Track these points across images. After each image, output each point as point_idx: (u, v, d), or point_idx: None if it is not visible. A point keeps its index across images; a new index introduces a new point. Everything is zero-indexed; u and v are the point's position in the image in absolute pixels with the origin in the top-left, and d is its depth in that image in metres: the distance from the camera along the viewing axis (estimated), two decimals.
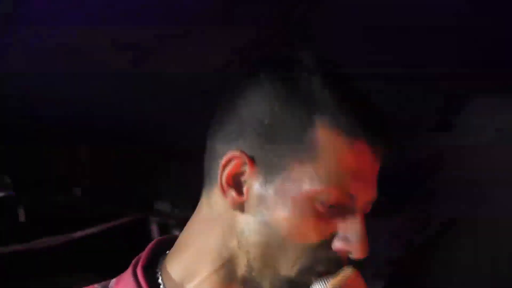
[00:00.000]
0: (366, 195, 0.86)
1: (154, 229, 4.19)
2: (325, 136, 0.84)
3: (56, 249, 2.85)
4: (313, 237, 0.85)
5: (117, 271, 1.14)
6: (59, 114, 2.54)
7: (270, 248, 0.85)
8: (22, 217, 2.70)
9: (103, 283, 1.04)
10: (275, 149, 0.85)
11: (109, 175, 3.16)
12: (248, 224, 0.86)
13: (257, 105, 0.86)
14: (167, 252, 0.97)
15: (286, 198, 0.84)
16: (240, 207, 0.86)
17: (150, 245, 0.99)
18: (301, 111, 0.84)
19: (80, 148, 2.88)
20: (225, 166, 0.86)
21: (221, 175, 0.86)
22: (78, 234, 2.94)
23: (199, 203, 0.94)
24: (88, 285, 0.97)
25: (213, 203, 0.90)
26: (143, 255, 0.97)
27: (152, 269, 0.96)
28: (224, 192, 0.86)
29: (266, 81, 0.87)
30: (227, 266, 0.89)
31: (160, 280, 0.94)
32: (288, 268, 0.86)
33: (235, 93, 0.90)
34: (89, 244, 3.17)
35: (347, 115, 0.84)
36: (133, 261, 0.97)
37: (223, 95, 0.92)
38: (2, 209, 2.64)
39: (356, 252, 0.86)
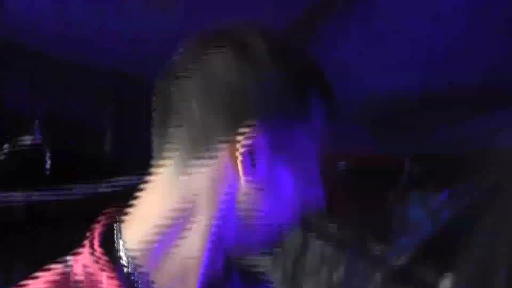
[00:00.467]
0: None
1: None
2: (315, 102, 0.94)
3: (81, 199, 2.88)
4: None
5: None
6: (95, 63, 2.54)
7: (270, 212, 0.93)
8: (48, 164, 2.71)
9: (59, 264, 0.98)
10: (284, 117, 0.92)
11: (139, 128, 3.18)
12: (257, 193, 0.91)
13: (261, 77, 0.91)
14: (116, 224, 0.97)
15: (293, 162, 0.94)
16: (251, 177, 0.90)
17: (100, 220, 0.97)
18: (301, 81, 0.94)
19: (114, 100, 2.88)
20: (242, 138, 0.89)
21: (241, 148, 0.89)
22: (104, 185, 2.95)
23: (169, 171, 0.94)
24: None
25: (204, 172, 0.91)
26: (97, 231, 0.95)
27: (110, 244, 0.94)
28: (243, 164, 0.89)
29: (268, 54, 0.92)
30: (217, 235, 0.92)
31: (121, 253, 0.93)
32: (274, 226, 0.95)
33: (230, 65, 0.92)
34: (114, 196, 3.15)
35: (325, 85, 0.97)
36: (87, 240, 0.95)
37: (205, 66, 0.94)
38: (29, 156, 2.65)
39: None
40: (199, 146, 0.90)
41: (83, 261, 0.92)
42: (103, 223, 0.96)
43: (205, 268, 0.92)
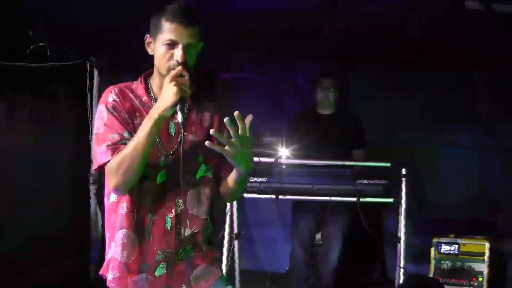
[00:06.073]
0: None
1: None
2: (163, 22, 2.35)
3: None
4: None
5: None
6: None
7: None
8: None
9: (124, 84, 2.45)
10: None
11: None
12: None
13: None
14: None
15: None
16: None
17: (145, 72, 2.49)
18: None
19: None
20: None
21: None
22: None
23: None
24: None
25: None
26: (144, 74, 2.47)
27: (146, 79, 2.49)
28: None
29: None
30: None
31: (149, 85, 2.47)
32: None
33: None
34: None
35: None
36: (140, 77, 2.45)
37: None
38: None
39: None
40: None
41: (137, 84, 2.46)
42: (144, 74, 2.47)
43: None
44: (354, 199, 4.06)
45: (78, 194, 5.40)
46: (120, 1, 4.19)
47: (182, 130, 2.29)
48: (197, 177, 2.42)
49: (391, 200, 4.11)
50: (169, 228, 2.36)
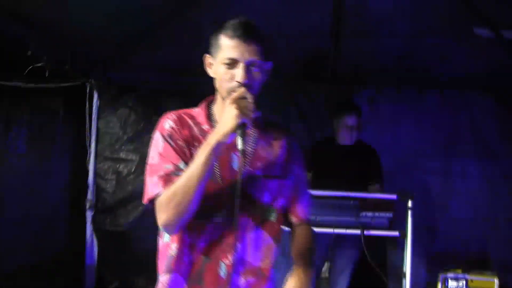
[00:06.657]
0: None
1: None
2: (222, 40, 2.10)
3: None
4: None
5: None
6: None
7: None
8: None
9: (184, 110, 2.18)
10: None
11: None
12: None
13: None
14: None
15: None
16: None
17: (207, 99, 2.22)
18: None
19: None
20: None
21: None
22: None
23: None
24: None
25: None
26: (208, 99, 2.21)
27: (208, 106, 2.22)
28: None
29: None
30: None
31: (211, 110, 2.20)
32: None
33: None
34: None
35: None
36: (203, 102, 2.20)
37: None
38: None
39: None
40: None
41: (198, 111, 2.18)
42: (207, 100, 2.20)
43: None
44: (358, 231, 3.90)
45: (74, 219, 5.31)
46: (120, 22, 4.12)
47: (242, 159, 2.00)
48: (260, 220, 2.13)
49: (396, 233, 3.96)
50: (223, 275, 2.07)
